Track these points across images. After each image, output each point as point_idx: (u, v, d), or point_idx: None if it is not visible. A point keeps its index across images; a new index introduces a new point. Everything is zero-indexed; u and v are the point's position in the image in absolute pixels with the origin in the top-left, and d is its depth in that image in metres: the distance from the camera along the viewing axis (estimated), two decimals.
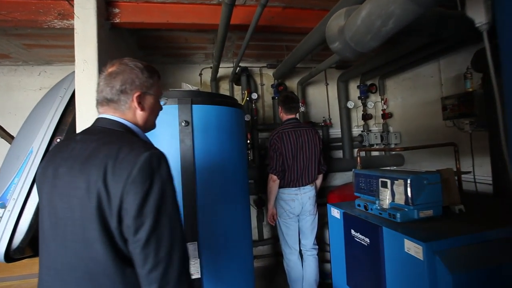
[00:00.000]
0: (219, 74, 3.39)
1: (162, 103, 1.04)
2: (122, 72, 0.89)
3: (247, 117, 3.23)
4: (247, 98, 3.31)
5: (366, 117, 3.65)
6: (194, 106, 1.88)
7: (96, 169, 0.74)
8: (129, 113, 0.91)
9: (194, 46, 2.81)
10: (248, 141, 3.26)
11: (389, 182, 1.39)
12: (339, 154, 3.67)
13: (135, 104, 0.90)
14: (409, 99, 3.52)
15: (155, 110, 0.99)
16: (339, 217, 1.70)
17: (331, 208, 1.79)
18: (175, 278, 0.73)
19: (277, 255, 3.42)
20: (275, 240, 3.39)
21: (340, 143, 3.58)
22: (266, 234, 3.43)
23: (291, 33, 2.63)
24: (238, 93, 3.43)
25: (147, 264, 0.71)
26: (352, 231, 1.54)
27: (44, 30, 1.98)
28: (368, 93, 3.72)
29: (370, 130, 3.71)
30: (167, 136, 1.84)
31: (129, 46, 2.58)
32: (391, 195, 1.37)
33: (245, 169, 2.29)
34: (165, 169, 0.78)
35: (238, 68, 3.29)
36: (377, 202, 1.47)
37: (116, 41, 2.17)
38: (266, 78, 3.57)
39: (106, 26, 1.90)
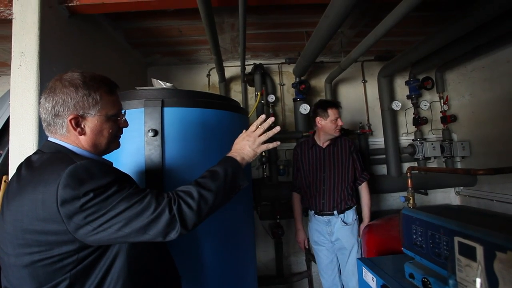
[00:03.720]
0: (231, 74, 2.90)
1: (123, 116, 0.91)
2: (53, 91, 0.78)
3: None
4: (262, 101, 2.72)
5: (419, 121, 2.78)
6: (166, 109, 1.38)
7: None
8: (71, 137, 0.80)
9: (192, 40, 2.34)
10: (263, 154, 2.66)
11: (480, 249, 0.68)
12: (382, 170, 2.85)
13: (72, 128, 0.78)
14: (482, 95, 2.58)
15: (104, 132, 0.83)
16: None
17: (363, 268, 1.10)
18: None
19: None
20: (299, 278, 2.70)
21: (383, 156, 2.77)
22: (286, 269, 2.75)
23: (310, 12, 2.00)
24: (253, 96, 2.87)
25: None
26: None
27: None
28: (421, 90, 2.85)
29: (425, 139, 2.82)
30: (132, 150, 1.36)
31: (115, 43, 2.20)
32: (487, 279, 0.66)
33: (247, 195, 1.71)
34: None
35: (251, 66, 2.77)
36: (451, 282, 0.75)
37: (88, 35, 1.79)
38: (286, 77, 2.95)
39: (61, 12, 1.51)
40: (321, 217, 1.99)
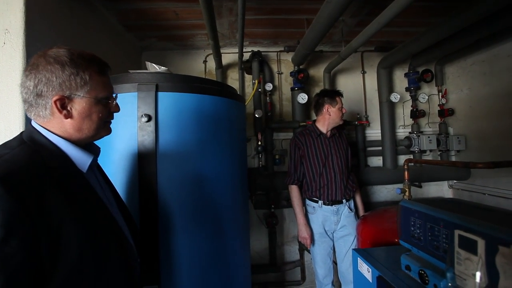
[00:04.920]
0: (228, 61, 2.83)
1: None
2: (36, 68, 0.69)
3: (258, 113, 2.60)
4: (259, 89, 2.67)
5: (416, 114, 2.77)
6: (161, 94, 1.34)
7: None
8: (54, 120, 0.72)
9: (189, 24, 2.26)
10: (259, 143, 2.63)
11: (482, 243, 0.66)
12: (378, 161, 2.85)
13: (56, 110, 0.70)
14: (480, 90, 2.57)
15: (93, 116, 0.76)
16: (370, 280, 1.00)
17: (358, 259, 1.09)
18: None
19: (292, 285, 2.74)
20: (291, 266, 2.72)
21: (379, 147, 2.77)
22: (279, 258, 2.77)
23: None
24: (250, 84, 2.82)
25: None
26: None
27: None
28: (420, 83, 2.83)
29: (421, 132, 2.82)
30: (125, 135, 1.31)
31: (108, 25, 2.11)
32: (487, 273, 0.65)
33: (243, 184, 1.69)
34: None
35: (249, 53, 2.70)
36: (449, 275, 0.74)
37: (79, 14, 1.70)
38: (285, 65, 2.89)
39: None
40: (330, 207, 1.97)
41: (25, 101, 0.72)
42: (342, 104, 2.06)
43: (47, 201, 0.62)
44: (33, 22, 1.30)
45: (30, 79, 0.69)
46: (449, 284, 0.74)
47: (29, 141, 0.70)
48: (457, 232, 0.73)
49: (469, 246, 0.69)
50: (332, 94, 2.05)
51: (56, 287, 0.61)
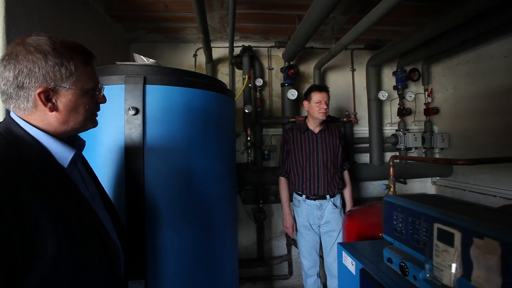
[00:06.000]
0: (218, 55, 2.80)
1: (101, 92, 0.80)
2: (15, 58, 0.65)
3: (248, 108, 2.60)
4: (249, 85, 2.66)
5: (403, 112, 2.83)
6: (149, 87, 1.32)
7: None
8: (36, 114, 0.68)
9: (179, 16, 2.22)
10: (248, 138, 2.63)
11: (458, 236, 0.69)
12: (365, 158, 2.90)
13: (40, 103, 0.67)
14: (464, 89, 2.65)
15: (80, 108, 0.73)
16: (354, 273, 1.03)
17: (343, 252, 1.12)
18: None
19: (279, 279, 2.78)
20: (279, 261, 2.76)
21: (367, 144, 2.82)
22: (267, 253, 2.80)
23: None
24: (240, 79, 2.80)
25: None
26: None
27: None
28: (407, 82, 2.89)
29: (407, 130, 2.88)
30: (111, 129, 1.29)
31: (95, 15, 2.05)
32: (462, 264, 0.68)
33: (231, 179, 1.68)
34: None
35: (240, 48, 2.68)
36: (427, 266, 0.77)
37: (64, 2, 1.65)
38: (275, 61, 2.89)
39: None
40: (313, 201, 2.01)
41: (3, 92, 0.67)
42: (324, 99, 1.99)
43: (22, 197, 0.58)
44: (14, 9, 1.25)
45: (9, 70, 0.65)
46: (427, 275, 0.77)
47: (6, 133, 0.67)
48: (436, 226, 0.76)
49: (447, 239, 0.72)
50: (309, 89, 2.09)
51: (32, 284, 0.59)
